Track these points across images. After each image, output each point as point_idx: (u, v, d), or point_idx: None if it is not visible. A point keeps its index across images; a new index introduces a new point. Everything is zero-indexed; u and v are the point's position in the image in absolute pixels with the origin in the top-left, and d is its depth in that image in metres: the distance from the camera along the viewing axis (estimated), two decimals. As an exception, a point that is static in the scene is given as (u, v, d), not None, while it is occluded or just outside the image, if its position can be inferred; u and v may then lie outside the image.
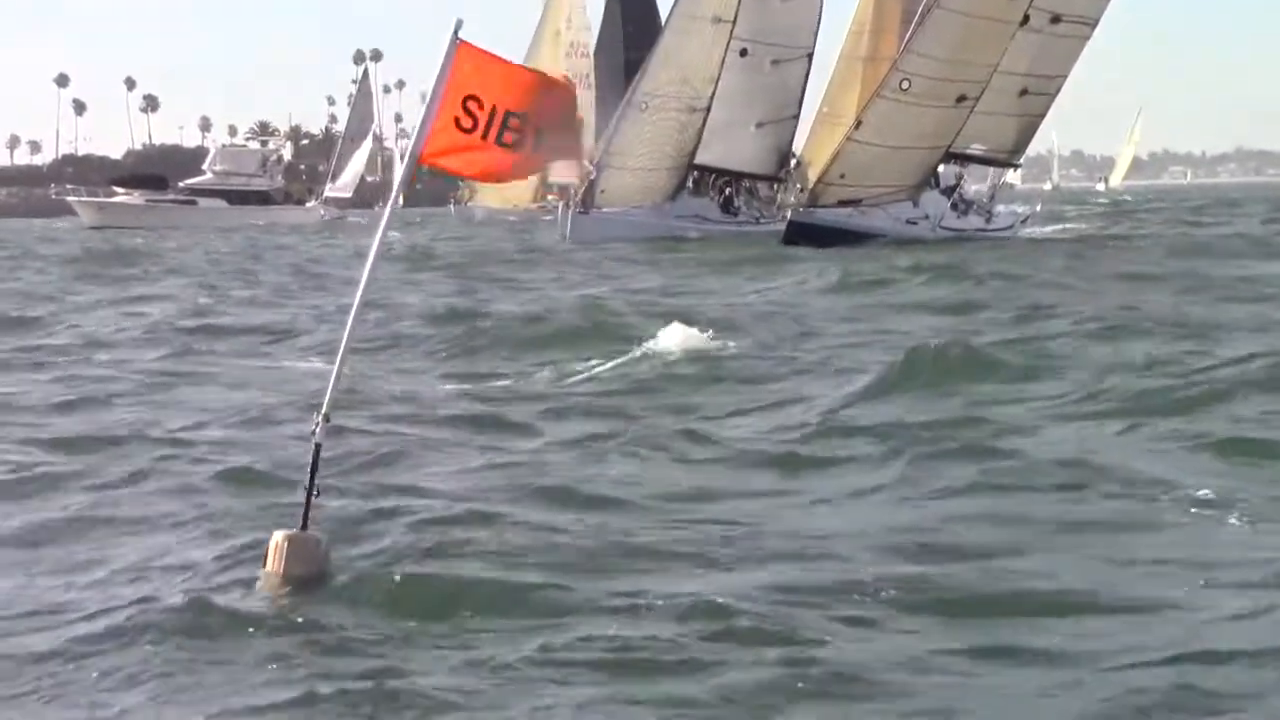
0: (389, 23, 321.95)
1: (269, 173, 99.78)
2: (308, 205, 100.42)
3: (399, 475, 10.02)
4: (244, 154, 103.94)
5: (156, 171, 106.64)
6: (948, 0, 42.23)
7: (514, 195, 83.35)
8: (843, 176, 42.85)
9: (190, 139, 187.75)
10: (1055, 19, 43.04)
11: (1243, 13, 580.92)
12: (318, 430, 7.14)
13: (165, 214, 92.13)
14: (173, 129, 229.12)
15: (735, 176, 50.74)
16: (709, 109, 48.21)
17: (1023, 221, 47.71)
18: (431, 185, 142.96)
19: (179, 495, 9.47)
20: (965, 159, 45.68)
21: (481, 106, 6.76)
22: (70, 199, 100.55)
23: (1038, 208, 53.10)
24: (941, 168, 45.74)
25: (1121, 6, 44.20)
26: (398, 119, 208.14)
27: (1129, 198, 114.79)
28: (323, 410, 7.15)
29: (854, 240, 40.94)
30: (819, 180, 44.11)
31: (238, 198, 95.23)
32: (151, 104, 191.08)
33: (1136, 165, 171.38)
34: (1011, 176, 50.46)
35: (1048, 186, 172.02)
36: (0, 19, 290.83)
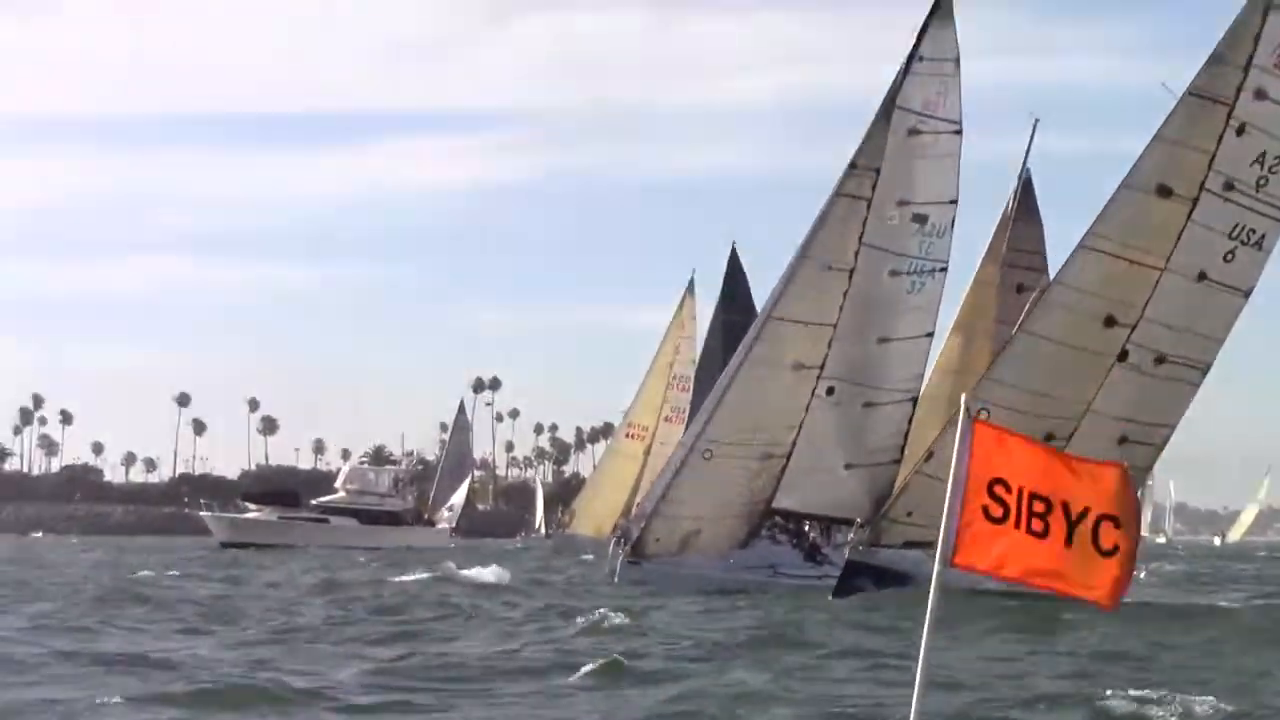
0: (506, 350, 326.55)
1: (400, 493, 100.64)
2: (438, 527, 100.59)
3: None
4: (376, 473, 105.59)
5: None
6: (1034, 324, 38.40)
7: (606, 523, 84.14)
8: (910, 514, 38.03)
9: (304, 461, 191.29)
10: (1160, 359, 38.12)
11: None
12: None
13: (298, 532, 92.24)
14: (288, 450, 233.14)
15: (822, 521, 44.39)
16: (789, 455, 42.72)
17: None
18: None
19: None
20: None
21: (1009, 490, 6.10)
22: (203, 514, 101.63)
23: (1141, 575, 46.87)
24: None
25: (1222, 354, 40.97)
26: (509, 448, 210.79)
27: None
28: None
29: (916, 587, 37.39)
30: (883, 515, 39.65)
31: (369, 517, 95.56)
32: (270, 426, 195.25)
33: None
34: None
35: (1160, 540, 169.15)
36: (121, 336, 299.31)
